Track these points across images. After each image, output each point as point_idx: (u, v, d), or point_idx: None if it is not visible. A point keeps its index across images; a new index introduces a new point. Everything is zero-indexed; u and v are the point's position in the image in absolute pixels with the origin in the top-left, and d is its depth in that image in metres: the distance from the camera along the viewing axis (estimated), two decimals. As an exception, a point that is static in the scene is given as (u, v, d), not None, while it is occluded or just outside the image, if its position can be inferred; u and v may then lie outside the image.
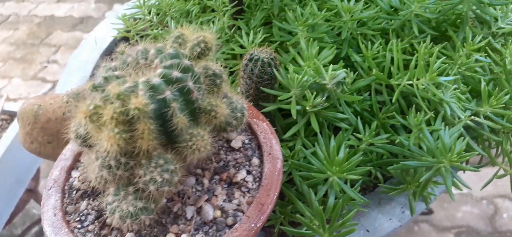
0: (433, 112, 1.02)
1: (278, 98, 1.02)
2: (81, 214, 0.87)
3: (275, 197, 0.83)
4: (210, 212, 0.82)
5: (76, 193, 0.90)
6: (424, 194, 1.02)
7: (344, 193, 0.99)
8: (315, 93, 1.00)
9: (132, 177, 0.73)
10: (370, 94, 1.12)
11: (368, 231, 1.11)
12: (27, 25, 4.04)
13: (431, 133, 0.96)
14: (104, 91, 0.70)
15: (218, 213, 0.82)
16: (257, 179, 0.89)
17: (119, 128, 0.67)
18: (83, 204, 0.87)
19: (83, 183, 0.91)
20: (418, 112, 1.00)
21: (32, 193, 1.96)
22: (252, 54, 1.04)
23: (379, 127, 1.06)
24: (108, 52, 1.80)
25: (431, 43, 1.12)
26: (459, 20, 1.26)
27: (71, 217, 0.86)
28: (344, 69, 1.00)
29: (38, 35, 3.93)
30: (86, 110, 0.69)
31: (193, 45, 0.80)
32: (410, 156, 0.98)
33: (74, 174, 0.94)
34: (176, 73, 0.71)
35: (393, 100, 1.00)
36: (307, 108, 0.98)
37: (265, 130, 0.96)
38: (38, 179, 1.96)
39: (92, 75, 1.70)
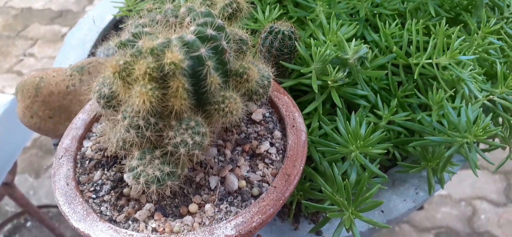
0: (452, 91, 1.02)
1: (301, 71, 0.99)
2: (96, 184, 0.82)
3: (301, 168, 0.81)
4: (234, 182, 0.79)
5: (89, 162, 0.85)
6: (439, 176, 1.02)
7: (363, 170, 0.97)
8: (337, 68, 0.98)
9: (160, 139, 0.69)
10: (387, 75, 1.11)
11: (382, 211, 1.10)
12: (3, 17, 3.88)
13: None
14: (134, 46, 0.67)
15: (243, 183, 0.80)
16: (281, 151, 0.86)
17: (152, 85, 0.64)
18: (97, 174, 0.83)
19: (96, 152, 0.86)
20: (438, 90, 0.99)
21: (8, 187, 1.87)
22: (272, 26, 1.02)
23: (397, 106, 1.05)
24: (107, 31, 1.74)
25: (447, 25, 1.12)
26: (471, 6, 1.27)
27: (85, 187, 0.82)
28: (366, 45, 0.99)
29: (14, 27, 3.78)
30: (116, 64, 0.65)
31: (224, 5, 0.77)
32: (431, 134, 0.97)
33: (86, 143, 0.89)
34: (210, 31, 0.68)
35: (415, 77, 0.99)
36: (329, 82, 0.96)
37: (286, 103, 0.93)
38: (14, 173, 1.88)
39: (91, 55, 1.64)
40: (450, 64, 1.00)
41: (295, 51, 1.04)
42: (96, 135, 0.91)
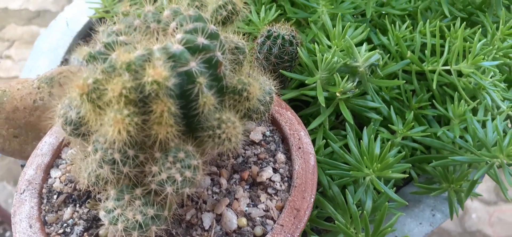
0: (474, 102, 0.92)
1: (305, 83, 0.88)
2: (65, 224, 0.69)
3: (312, 200, 0.69)
4: (233, 219, 0.67)
5: (57, 197, 0.72)
6: (463, 201, 0.91)
7: (377, 193, 0.86)
8: (346, 77, 0.87)
9: (141, 175, 0.57)
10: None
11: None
12: (-23, 18, 3.69)
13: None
14: (106, 60, 0.54)
15: (244, 221, 0.67)
16: (286, 178, 0.74)
17: (129, 110, 0.51)
18: (67, 212, 0.70)
19: (66, 184, 0.73)
20: (460, 101, 0.88)
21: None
22: (270, 30, 0.89)
23: (412, 119, 0.94)
24: (82, 35, 1.59)
25: (464, 24, 1.02)
26: (484, 4, 1.17)
27: (52, 228, 0.68)
28: (377, 50, 0.88)
29: (-10, 28, 3.60)
30: (83, 84, 0.52)
31: (217, 7, 0.64)
32: (453, 151, 0.87)
33: (54, 173, 0.76)
34: (201, 40, 0.56)
35: (434, 86, 0.88)
36: (338, 94, 0.85)
37: (290, 119, 0.81)
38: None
39: (64, 62, 1.50)
40: (472, 72, 0.90)
41: (296, 58, 0.92)
42: (66, 162, 0.77)
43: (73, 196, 0.72)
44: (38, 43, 1.54)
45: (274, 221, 0.68)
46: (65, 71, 1.13)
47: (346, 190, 0.85)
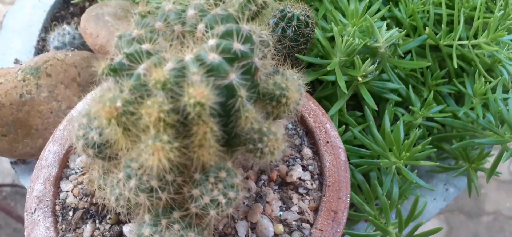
0: (495, 80, 0.90)
1: (323, 66, 0.83)
2: (85, 242, 0.64)
3: (348, 200, 0.67)
4: (269, 227, 0.64)
5: (73, 214, 0.67)
6: (487, 182, 0.91)
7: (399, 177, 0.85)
8: (367, 59, 0.83)
9: (181, 198, 0.52)
10: (412, 59, 0.97)
11: (413, 215, 0.99)
12: None
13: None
14: (132, 75, 0.48)
15: (280, 228, 0.65)
16: (316, 176, 0.72)
17: (169, 135, 0.46)
18: (87, 229, 0.65)
19: (81, 199, 0.68)
20: (479, 79, 0.87)
21: None
22: (283, 10, 0.83)
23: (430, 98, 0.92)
24: (57, 8, 1.46)
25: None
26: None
27: (71, 248, 0.64)
28: (397, 28, 0.84)
29: None
30: (111, 109, 0.46)
31: (245, 1, 0.58)
32: (473, 131, 0.86)
33: (65, 186, 0.70)
34: (238, 45, 0.50)
35: (455, 65, 0.86)
36: (359, 79, 0.81)
37: (313, 111, 0.78)
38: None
39: (41, 41, 1.38)
40: (487, 44, 0.87)
41: (312, 40, 0.87)
42: (76, 172, 0.72)
43: (91, 211, 0.67)
44: (7, 21, 1.41)
45: (311, 225, 0.65)
46: (51, 59, 1.03)
47: (370, 177, 0.83)
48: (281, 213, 0.66)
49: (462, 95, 0.97)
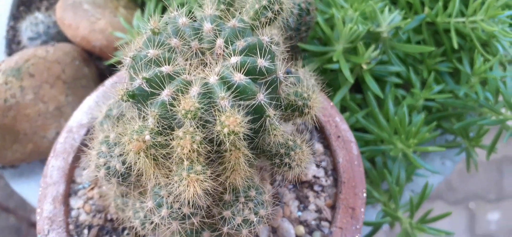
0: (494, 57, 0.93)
1: (324, 53, 0.83)
2: (104, 260, 0.64)
3: (364, 195, 0.70)
4: (290, 230, 0.66)
5: (88, 232, 0.66)
6: (487, 159, 0.95)
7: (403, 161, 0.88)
8: (370, 45, 0.83)
9: (211, 219, 0.53)
10: (408, 38, 0.98)
11: (413, 191, 1.04)
12: None
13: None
14: (156, 102, 0.46)
15: (301, 229, 0.67)
16: (330, 171, 0.73)
17: (202, 164, 0.45)
18: (105, 247, 0.65)
19: (94, 216, 0.67)
20: (478, 58, 0.89)
21: None
22: None
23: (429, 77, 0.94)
24: (26, -6, 1.38)
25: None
26: None
27: (90, 267, 0.64)
28: (397, 11, 0.84)
29: None
30: (140, 143, 0.45)
31: (260, 8, 0.56)
32: (471, 109, 0.89)
33: (75, 203, 0.69)
34: (262, 63, 0.49)
35: (456, 46, 0.88)
36: (364, 66, 0.82)
37: (322, 104, 0.78)
38: None
39: (11, 30, 1.30)
40: (483, 20, 0.89)
41: (312, 27, 0.86)
42: (84, 187, 0.70)
43: (107, 228, 0.66)
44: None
45: (330, 223, 0.68)
46: (32, 57, 0.98)
47: (375, 162, 0.86)
48: (300, 213, 0.68)
49: (458, 71, 1.00)
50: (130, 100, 0.49)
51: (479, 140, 0.91)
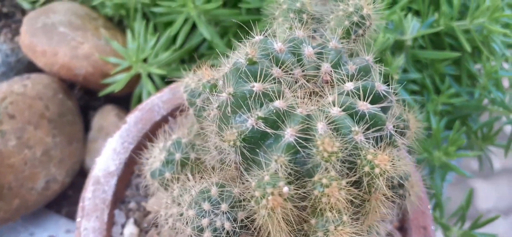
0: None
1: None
2: None
3: (430, 212, 0.67)
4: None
5: None
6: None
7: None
8: (395, 54, 0.82)
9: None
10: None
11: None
12: None
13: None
14: (280, 146, 0.39)
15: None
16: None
17: (350, 214, 0.39)
18: None
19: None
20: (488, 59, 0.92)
21: None
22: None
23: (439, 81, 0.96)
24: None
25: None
26: None
27: None
28: (415, 17, 0.84)
29: None
30: (276, 197, 0.37)
31: (349, 25, 0.51)
32: (482, 109, 0.92)
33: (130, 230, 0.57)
34: (381, 87, 0.44)
35: (469, 49, 0.89)
36: (395, 76, 0.80)
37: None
38: None
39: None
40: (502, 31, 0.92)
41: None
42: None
43: None
44: None
45: (404, 247, 0.64)
46: (8, 95, 0.81)
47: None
48: (374, 241, 0.63)
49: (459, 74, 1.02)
50: (243, 143, 0.41)
51: (494, 139, 0.94)
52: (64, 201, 0.92)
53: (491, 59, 0.95)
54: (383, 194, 0.41)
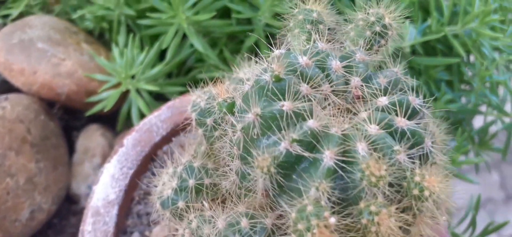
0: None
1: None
2: None
3: (446, 223, 0.65)
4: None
5: None
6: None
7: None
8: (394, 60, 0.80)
9: None
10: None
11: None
12: None
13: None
14: (320, 173, 0.35)
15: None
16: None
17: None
18: None
19: None
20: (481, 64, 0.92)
21: None
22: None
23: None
24: None
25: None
26: None
27: None
28: (411, 24, 0.83)
29: None
30: (322, 229, 0.33)
31: (371, 35, 0.48)
32: (476, 113, 0.92)
33: None
34: (416, 100, 0.42)
35: (463, 53, 0.89)
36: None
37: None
38: None
39: None
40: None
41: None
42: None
43: None
44: None
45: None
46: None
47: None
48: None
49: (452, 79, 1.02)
50: (278, 170, 0.37)
51: (489, 143, 0.94)
52: (49, 230, 0.84)
53: (484, 63, 0.96)
54: (430, 217, 0.38)
